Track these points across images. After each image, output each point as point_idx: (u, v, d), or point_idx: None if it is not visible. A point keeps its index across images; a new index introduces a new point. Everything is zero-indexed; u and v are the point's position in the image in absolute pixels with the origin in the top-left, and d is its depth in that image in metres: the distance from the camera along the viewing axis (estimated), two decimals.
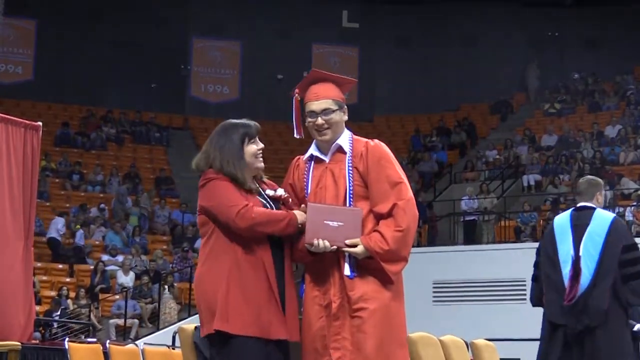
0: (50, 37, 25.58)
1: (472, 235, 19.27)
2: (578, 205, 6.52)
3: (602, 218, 6.35)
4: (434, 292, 17.84)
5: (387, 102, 27.97)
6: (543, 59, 27.21)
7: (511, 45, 27.01)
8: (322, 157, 4.35)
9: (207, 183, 4.14)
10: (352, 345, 4.07)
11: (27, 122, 10.08)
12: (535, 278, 6.85)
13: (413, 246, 17.13)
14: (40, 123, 10.22)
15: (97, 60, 25.85)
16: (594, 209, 6.42)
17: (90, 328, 15.62)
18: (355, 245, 4.12)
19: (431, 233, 19.94)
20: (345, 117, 4.41)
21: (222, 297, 4.00)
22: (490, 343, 7.87)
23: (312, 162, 4.37)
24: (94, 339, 12.15)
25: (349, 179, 4.23)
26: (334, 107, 4.35)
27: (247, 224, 4.02)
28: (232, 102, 27.13)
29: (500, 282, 17.23)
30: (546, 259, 6.47)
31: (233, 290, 4.01)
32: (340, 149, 4.33)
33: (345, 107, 4.41)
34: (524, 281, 17.17)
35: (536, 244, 20.01)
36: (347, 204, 4.19)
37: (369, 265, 4.16)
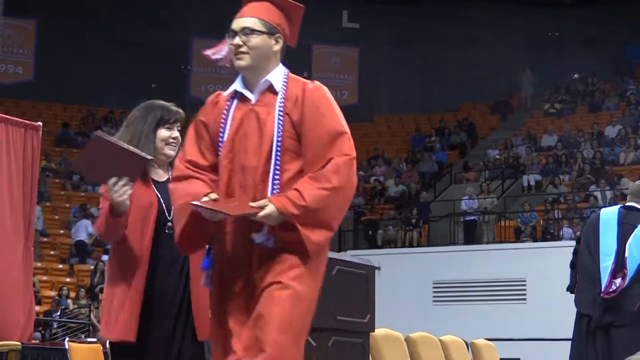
0: (50, 37, 25.57)
1: (472, 235, 19.27)
2: (627, 204, 6.55)
3: None
4: (434, 292, 17.84)
5: (387, 102, 27.97)
6: (543, 59, 27.21)
7: (511, 45, 26.99)
8: (247, 94, 3.50)
9: None
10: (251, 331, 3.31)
11: (27, 122, 10.09)
12: (573, 265, 6.84)
13: (413, 246, 17.19)
14: (40, 123, 10.23)
15: (97, 60, 25.85)
16: None
17: (90, 328, 15.62)
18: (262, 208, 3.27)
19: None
20: (277, 47, 3.55)
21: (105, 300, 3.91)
22: (490, 343, 7.87)
23: (235, 101, 3.52)
24: (94, 339, 12.15)
25: (278, 128, 3.39)
26: (259, 28, 3.51)
27: (100, 235, 3.93)
28: None
29: (500, 282, 17.23)
30: (585, 249, 6.50)
31: (105, 296, 3.91)
32: (271, 88, 3.49)
33: (281, 36, 3.58)
34: (524, 281, 17.20)
35: (536, 244, 20.04)
36: (273, 160, 3.36)
37: (285, 237, 3.32)
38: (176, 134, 3.97)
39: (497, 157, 23.43)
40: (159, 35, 26.40)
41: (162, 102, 4.06)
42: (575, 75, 27.14)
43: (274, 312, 3.24)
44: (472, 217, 19.65)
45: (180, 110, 4.04)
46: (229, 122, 3.46)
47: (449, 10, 27.29)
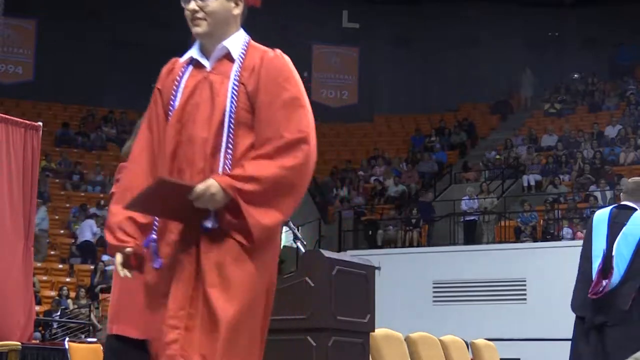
0: (50, 37, 25.57)
1: (472, 235, 19.27)
2: (621, 203, 6.56)
3: (639, 219, 6.38)
4: (434, 292, 17.84)
5: (387, 102, 27.97)
6: (543, 59, 27.21)
7: (511, 45, 26.99)
8: (202, 61, 3.24)
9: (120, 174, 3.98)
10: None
11: (27, 122, 10.09)
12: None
13: (413, 246, 17.15)
14: (40, 123, 10.23)
15: (97, 60, 25.85)
16: (635, 210, 6.44)
17: (90, 328, 15.62)
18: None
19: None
20: (237, 11, 3.26)
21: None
22: (490, 343, 7.87)
23: (190, 67, 3.26)
24: (94, 339, 12.15)
25: (231, 99, 3.12)
26: None
27: None
28: None
29: (500, 282, 17.23)
30: (583, 251, 6.53)
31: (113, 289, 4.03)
32: (229, 56, 3.21)
33: (241, 2, 3.27)
34: (524, 281, 17.20)
35: (536, 244, 20.03)
36: (225, 133, 3.08)
37: (231, 221, 3.05)
38: None
39: (497, 157, 23.43)
40: (159, 35, 26.37)
41: None
42: (575, 75, 27.14)
43: (216, 321, 2.97)
44: (472, 217, 19.66)
45: None
46: (180, 90, 3.21)
47: (449, 10, 27.29)
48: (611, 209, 6.54)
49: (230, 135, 3.08)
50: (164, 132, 3.25)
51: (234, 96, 3.11)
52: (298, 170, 3.05)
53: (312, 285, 4.95)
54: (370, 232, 20.40)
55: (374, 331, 5.38)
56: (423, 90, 27.55)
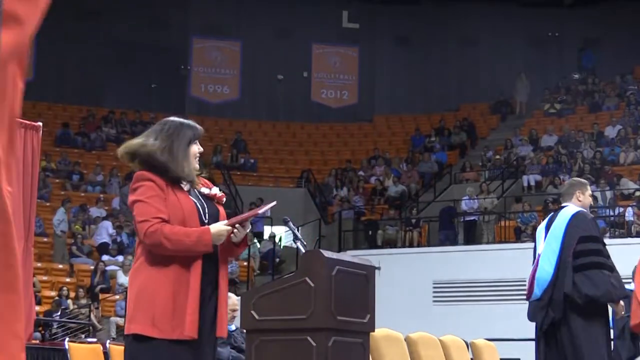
0: (50, 37, 25.55)
1: (472, 235, 19.27)
2: (561, 205, 6.59)
3: (566, 213, 6.36)
4: (434, 292, 17.84)
5: (387, 102, 27.96)
6: (543, 59, 27.22)
7: (511, 45, 27.01)
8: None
9: (138, 188, 4.15)
10: None
11: (27, 122, 10.07)
12: None
13: (413, 246, 17.18)
14: (40, 123, 10.21)
15: (97, 60, 25.85)
16: (566, 207, 6.44)
17: (90, 328, 15.62)
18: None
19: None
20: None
21: (132, 299, 4.08)
22: (490, 343, 7.87)
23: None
24: (94, 339, 12.15)
25: None
26: None
27: (153, 244, 4.05)
28: (232, 102, 27.13)
29: (500, 282, 17.23)
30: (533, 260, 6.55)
31: (144, 291, 4.04)
32: None
33: None
34: (524, 281, 17.18)
35: None
36: None
37: None
38: (201, 149, 4.33)
39: (497, 157, 23.43)
40: (159, 35, 26.41)
41: (185, 120, 4.42)
42: (575, 75, 27.14)
43: None
44: (472, 217, 19.66)
45: (202, 129, 4.45)
46: None
47: (449, 10, 27.30)
48: (550, 215, 6.60)
49: None
50: None
51: None
52: None
53: (312, 285, 4.95)
54: (370, 232, 20.41)
55: (374, 331, 5.38)
56: (423, 90, 27.55)
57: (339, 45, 28.36)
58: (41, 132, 10.13)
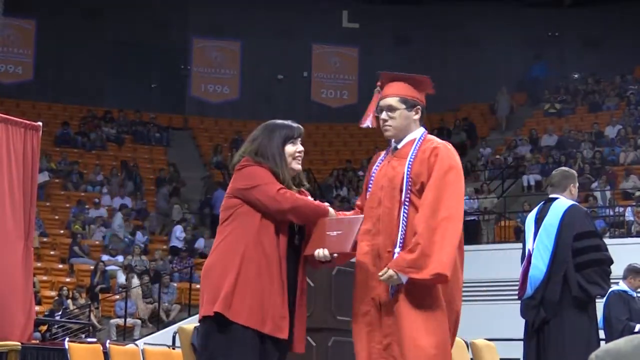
0: (50, 37, 25.58)
1: (472, 235, 19.26)
2: (548, 197, 6.43)
3: (558, 208, 6.23)
4: None
5: None
6: (543, 59, 27.21)
7: (511, 45, 27.00)
8: (393, 149, 4.49)
9: (248, 167, 4.15)
10: None
11: (27, 122, 10.07)
12: None
13: None
14: (40, 123, 10.22)
15: (97, 60, 25.85)
16: (557, 199, 6.32)
17: (90, 328, 15.62)
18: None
19: None
20: (416, 117, 4.62)
21: (229, 283, 3.99)
22: (490, 343, 7.86)
23: (386, 154, 4.58)
24: (94, 339, 12.15)
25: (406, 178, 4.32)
26: (398, 106, 4.56)
27: (287, 203, 4.08)
28: (232, 102, 27.13)
29: (500, 282, 17.22)
30: (521, 256, 6.45)
31: (242, 278, 4.00)
32: (407, 145, 4.47)
33: (418, 106, 4.66)
34: None
35: None
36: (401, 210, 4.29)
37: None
38: (301, 147, 4.34)
39: (497, 157, 23.42)
40: (159, 35, 26.40)
41: (282, 120, 4.40)
42: (575, 75, 27.13)
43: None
44: (472, 217, 19.65)
45: (301, 126, 4.41)
46: (374, 172, 4.68)
47: (449, 10, 27.29)
48: (539, 207, 6.44)
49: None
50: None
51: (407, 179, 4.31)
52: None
53: (312, 285, 4.95)
54: None
55: None
56: None
57: (339, 45, 28.36)
58: (41, 132, 10.14)
